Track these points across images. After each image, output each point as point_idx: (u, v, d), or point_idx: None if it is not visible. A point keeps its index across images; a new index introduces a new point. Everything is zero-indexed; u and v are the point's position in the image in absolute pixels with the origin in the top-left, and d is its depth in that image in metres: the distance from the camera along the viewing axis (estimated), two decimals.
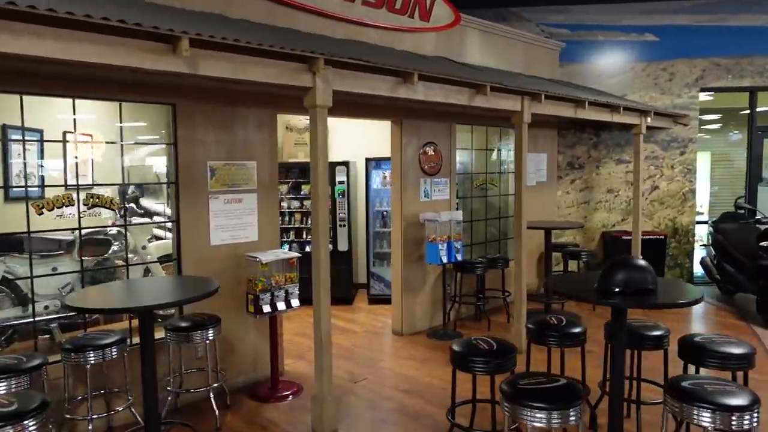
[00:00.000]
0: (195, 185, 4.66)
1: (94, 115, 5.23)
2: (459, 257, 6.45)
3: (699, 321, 7.35)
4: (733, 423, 2.64)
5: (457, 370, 3.56)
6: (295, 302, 4.88)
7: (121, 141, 4.40)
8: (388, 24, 6.03)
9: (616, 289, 3.05)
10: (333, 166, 7.96)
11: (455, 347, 3.57)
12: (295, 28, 5.20)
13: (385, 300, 7.60)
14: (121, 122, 4.34)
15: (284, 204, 8.21)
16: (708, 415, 2.67)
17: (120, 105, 4.32)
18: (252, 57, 3.48)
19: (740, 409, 2.64)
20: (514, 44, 7.85)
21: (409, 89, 4.49)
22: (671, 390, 2.84)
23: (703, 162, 9.14)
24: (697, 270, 8.75)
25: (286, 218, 8.22)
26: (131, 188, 5.18)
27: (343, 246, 7.98)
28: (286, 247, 8.09)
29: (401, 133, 6.37)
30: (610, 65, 8.73)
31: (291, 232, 8.22)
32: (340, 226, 7.97)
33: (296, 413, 4.49)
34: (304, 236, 8.16)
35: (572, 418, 2.75)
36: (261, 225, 5.12)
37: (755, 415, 2.66)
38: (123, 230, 4.84)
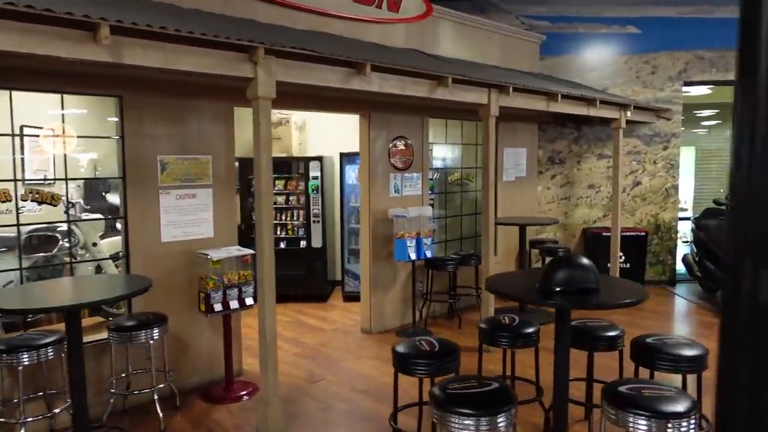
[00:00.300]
0: (144, 180, 4.52)
1: (67, 110, 5.07)
2: (429, 254, 6.31)
3: (678, 319, 7.21)
4: (669, 430, 2.50)
5: (399, 372, 3.42)
6: (249, 301, 4.75)
7: (63, 134, 4.26)
8: (353, 15, 5.87)
9: (557, 289, 2.92)
10: (306, 161, 7.84)
11: (397, 348, 3.44)
12: (251, 19, 5.05)
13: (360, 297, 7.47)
14: (63, 114, 4.20)
15: None
16: (644, 422, 2.53)
17: (62, 97, 4.18)
18: (185, 46, 3.33)
19: (676, 415, 2.50)
20: (490, 36, 7.68)
21: (363, 81, 4.34)
22: (608, 395, 2.70)
23: (687, 157, 8.98)
24: (680, 267, 8.60)
25: None
26: (76, 183, 5.04)
27: (317, 242, 7.84)
28: None
29: (369, 127, 6.23)
30: (591, 58, 8.56)
31: None
32: (314, 222, 7.84)
33: (246, 415, 4.36)
34: (278, 232, 8.02)
35: (501, 424, 2.61)
36: (217, 221, 4.98)
37: (692, 421, 2.52)
38: (74, 227, 4.71)
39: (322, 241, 7.84)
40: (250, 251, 4.78)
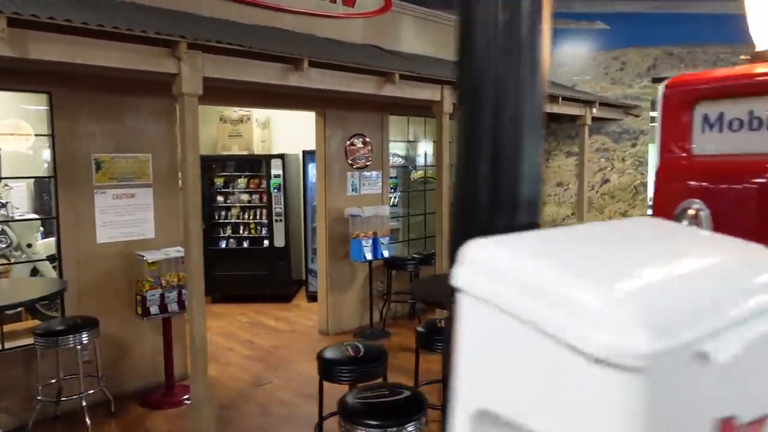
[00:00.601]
0: (77, 179, 4.37)
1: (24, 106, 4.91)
2: (386, 254, 6.20)
3: None
4: None
5: (324, 380, 3.30)
6: None
7: None
8: (306, 9, 5.74)
9: None
10: (268, 158, 7.70)
11: (323, 354, 3.32)
12: (193, 13, 4.90)
13: None
14: None
15: (220, 198, 7.93)
16: None
17: None
18: (96, 39, 3.19)
19: None
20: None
21: (302, 77, 4.21)
22: None
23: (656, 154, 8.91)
24: None
25: (222, 213, 7.93)
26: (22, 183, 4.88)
27: (279, 242, 7.71)
28: (223, 243, 7.82)
29: (325, 125, 6.10)
30: (560, 54, 8.46)
31: (228, 228, 7.93)
32: (277, 221, 7.70)
33: (182, 421, 4.24)
34: (241, 231, 7.89)
35: None
36: (158, 221, 4.84)
37: None
38: (6, 227, 4.56)
39: (284, 240, 7.70)
40: None
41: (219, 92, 4.44)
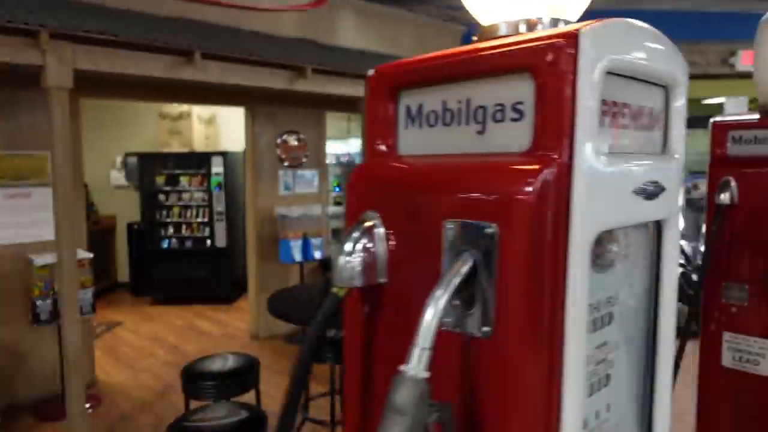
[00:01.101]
0: None
1: None
2: (318, 255, 5.98)
3: None
4: None
5: (188, 396, 3.08)
6: (87, 309, 4.38)
7: None
8: (227, 1, 5.48)
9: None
10: (208, 156, 7.46)
11: (189, 366, 3.10)
12: (99, 4, 4.65)
13: None
14: None
15: (162, 197, 7.68)
16: None
17: None
18: None
19: None
20: (402, 26, 7.33)
21: (196, 70, 3.98)
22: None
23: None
24: None
25: (164, 212, 7.69)
26: None
27: (221, 242, 7.48)
28: (165, 242, 7.58)
29: (253, 121, 5.87)
30: None
31: (170, 227, 7.69)
32: (218, 220, 7.47)
33: None
34: (183, 231, 7.65)
35: None
36: (59, 222, 4.58)
37: None
38: None
39: (226, 240, 7.47)
40: (87, 255, 4.42)
41: (115, 85, 4.22)
